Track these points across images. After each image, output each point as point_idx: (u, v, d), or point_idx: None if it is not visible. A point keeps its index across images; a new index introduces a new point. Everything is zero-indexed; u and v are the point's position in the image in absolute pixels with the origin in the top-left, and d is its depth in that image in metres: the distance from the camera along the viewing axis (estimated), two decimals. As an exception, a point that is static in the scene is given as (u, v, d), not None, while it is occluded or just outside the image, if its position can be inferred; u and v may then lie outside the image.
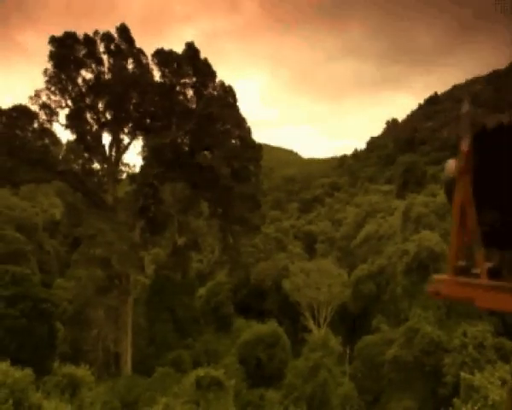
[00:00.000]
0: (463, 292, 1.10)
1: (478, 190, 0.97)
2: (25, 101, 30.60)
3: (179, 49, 32.35)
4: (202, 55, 32.40)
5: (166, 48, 31.94)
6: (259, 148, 35.42)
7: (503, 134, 1.13)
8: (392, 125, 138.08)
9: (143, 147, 33.95)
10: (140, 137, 34.04)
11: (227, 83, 33.31)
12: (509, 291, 0.90)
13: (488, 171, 1.13)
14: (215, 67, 32.46)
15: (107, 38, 31.72)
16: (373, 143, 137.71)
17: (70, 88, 31.68)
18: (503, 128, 1.15)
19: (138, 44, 32.15)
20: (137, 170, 34.84)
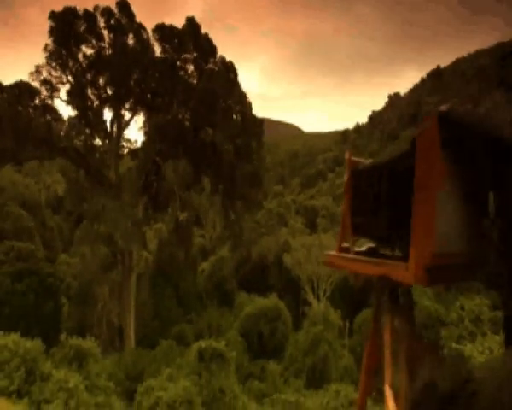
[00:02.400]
0: (340, 262, 1.85)
1: (358, 202, 1.73)
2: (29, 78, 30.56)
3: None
4: (208, 30, 32.22)
5: (174, 24, 31.77)
6: (261, 123, 35.39)
7: (367, 171, 1.64)
8: (395, 99, 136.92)
9: (145, 123, 34.00)
10: (141, 113, 34.05)
11: (232, 58, 33.14)
12: (361, 261, 1.62)
13: (359, 192, 1.68)
14: (221, 42, 32.29)
15: (107, 12, 31.45)
16: (375, 117, 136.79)
17: (71, 64, 31.56)
18: (370, 168, 1.66)
19: (143, 19, 31.92)
20: (139, 145, 35.00)
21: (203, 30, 32.43)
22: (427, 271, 1.41)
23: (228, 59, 33.13)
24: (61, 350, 13.92)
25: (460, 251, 1.48)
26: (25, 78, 31.39)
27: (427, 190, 1.29)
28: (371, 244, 1.98)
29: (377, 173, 1.81)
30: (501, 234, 1.28)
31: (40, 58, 38.29)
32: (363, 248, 2.01)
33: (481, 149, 1.37)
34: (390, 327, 1.92)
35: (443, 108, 1.43)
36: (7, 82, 30.56)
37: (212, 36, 32.44)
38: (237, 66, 33.41)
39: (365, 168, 1.95)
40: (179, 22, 32.24)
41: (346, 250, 2.03)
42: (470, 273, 1.61)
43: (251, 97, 34.26)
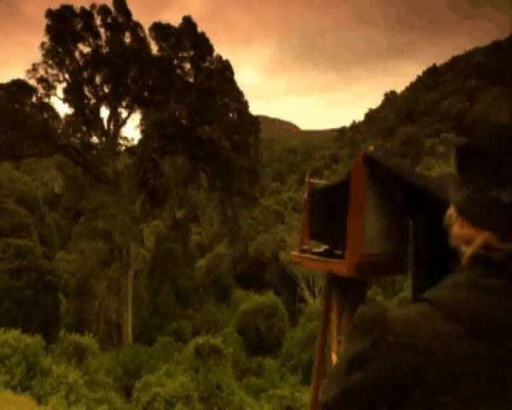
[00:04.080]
0: (299, 260, 2.35)
1: (314, 215, 2.22)
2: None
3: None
4: (207, 25, 32.43)
5: (174, 17, 31.95)
6: (257, 121, 35.65)
7: (321, 191, 2.45)
8: (392, 96, 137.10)
9: (142, 120, 34.13)
10: (138, 111, 34.20)
11: (231, 54, 33.31)
12: (314, 260, 2.43)
13: (314, 207, 2.12)
14: (221, 37, 32.46)
15: (103, 11, 31.57)
16: (371, 115, 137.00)
17: (67, 62, 31.69)
18: (322, 189, 2.10)
19: (141, 15, 32.06)
20: (136, 143, 35.12)
21: (203, 25, 32.72)
22: (356, 266, 1.95)
23: (227, 55, 33.33)
24: (61, 346, 14.14)
25: (382, 253, 2.06)
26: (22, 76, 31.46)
27: (357, 209, 1.90)
28: (327, 247, 2.58)
29: (326, 194, 2.44)
30: (414, 246, 1.89)
31: (37, 56, 38.34)
32: (321, 250, 2.57)
33: (393, 183, 1.91)
34: (337, 310, 2.52)
35: (370, 148, 1.90)
36: (5, 79, 30.64)
37: (211, 31, 32.65)
38: (237, 61, 33.54)
39: (319, 190, 2.58)
40: (179, 18, 32.29)
41: (306, 251, 2.68)
42: (390, 269, 2.28)
43: (250, 93, 34.49)
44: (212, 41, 32.51)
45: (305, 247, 2.58)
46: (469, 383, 0.87)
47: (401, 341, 0.92)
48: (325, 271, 2.34)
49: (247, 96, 34.65)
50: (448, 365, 0.89)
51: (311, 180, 2.57)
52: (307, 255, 2.54)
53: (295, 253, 2.65)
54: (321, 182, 2.64)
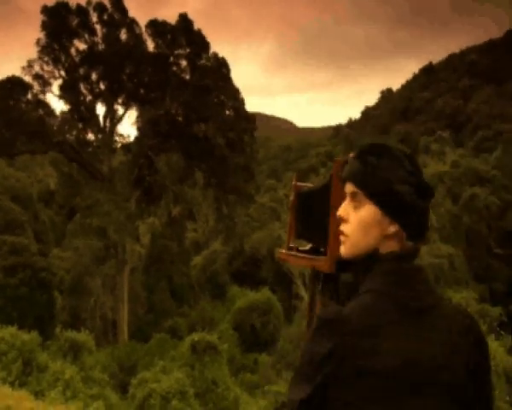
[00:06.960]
0: (285, 257, 2.62)
1: (300, 215, 2.65)
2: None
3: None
4: (207, 21, 32.46)
5: (174, 14, 31.92)
6: (253, 118, 35.65)
7: (306, 193, 2.58)
8: (388, 94, 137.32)
9: (138, 118, 34.10)
10: (134, 108, 34.15)
11: (230, 50, 33.36)
12: (300, 257, 2.52)
13: (302, 208, 2.59)
14: (220, 33, 32.41)
15: (99, 7, 31.51)
16: (368, 112, 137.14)
17: (63, 58, 31.63)
18: (307, 192, 2.57)
19: (139, 12, 32.08)
20: (132, 140, 35.09)
21: (201, 22, 32.77)
22: (336, 262, 2.13)
23: (226, 51, 33.35)
24: (57, 343, 14.15)
25: None
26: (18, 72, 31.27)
27: (336, 209, 2.04)
28: (312, 245, 2.71)
29: (311, 196, 2.57)
30: None
31: (33, 52, 38.21)
32: (307, 248, 2.69)
33: None
34: (321, 302, 2.65)
35: (351, 155, 2.09)
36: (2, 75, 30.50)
37: (210, 27, 32.65)
38: (236, 58, 33.61)
39: (304, 192, 2.75)
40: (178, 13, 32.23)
41: (292, 249, 2.80)
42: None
43: (248, 90, 34.54)
44: (211, 37, 32.56)
45: (292, 245, 2.70)
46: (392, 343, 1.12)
47: (355, 334, 1.14)
48: (309, 267, 2.44)
49: (245, 93, 34.75)
50: (368, 335, 1.12)
51: (298, 183, 2.71)
52: (293, 253, 2.64)
53: (282, 250, 2.76)
54: (306, 185, 2.76)
